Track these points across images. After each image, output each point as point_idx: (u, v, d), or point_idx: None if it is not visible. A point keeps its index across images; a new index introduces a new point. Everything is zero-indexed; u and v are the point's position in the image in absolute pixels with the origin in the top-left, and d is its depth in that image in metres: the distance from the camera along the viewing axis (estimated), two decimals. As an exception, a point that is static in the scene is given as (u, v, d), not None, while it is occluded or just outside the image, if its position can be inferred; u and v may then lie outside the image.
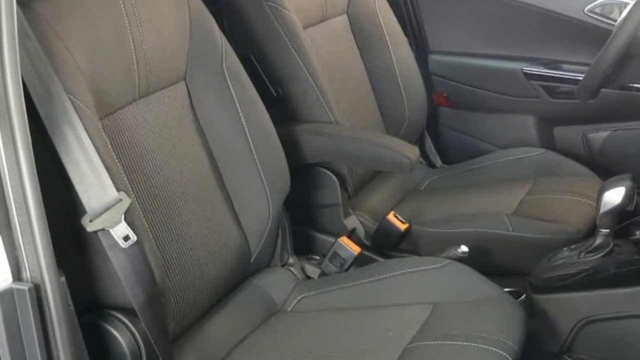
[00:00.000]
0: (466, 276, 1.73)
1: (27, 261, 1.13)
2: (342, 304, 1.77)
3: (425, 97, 2.59)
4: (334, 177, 2.16)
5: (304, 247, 2.11)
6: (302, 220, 2.13)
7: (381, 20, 2.58)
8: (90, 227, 1.30)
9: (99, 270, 1.40)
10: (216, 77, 1.77)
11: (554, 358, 1.80)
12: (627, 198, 1.68)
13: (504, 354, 1.45)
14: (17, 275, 1.13)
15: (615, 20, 2.18)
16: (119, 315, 1.42)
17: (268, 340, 1.68)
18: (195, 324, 1.67)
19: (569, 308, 1.75)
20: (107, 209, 1.31)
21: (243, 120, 1.78)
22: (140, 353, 1.42)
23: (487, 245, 2.02)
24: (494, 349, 1.46)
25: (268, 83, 2.16)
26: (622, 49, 1.94)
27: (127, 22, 1.59)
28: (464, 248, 1.89)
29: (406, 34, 2.73)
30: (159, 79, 1.67)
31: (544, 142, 2.56)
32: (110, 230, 1.31)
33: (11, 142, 1.09)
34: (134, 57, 1.59)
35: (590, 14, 2.46)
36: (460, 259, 1.83)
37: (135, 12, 1.65)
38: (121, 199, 1.34)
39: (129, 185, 1.50)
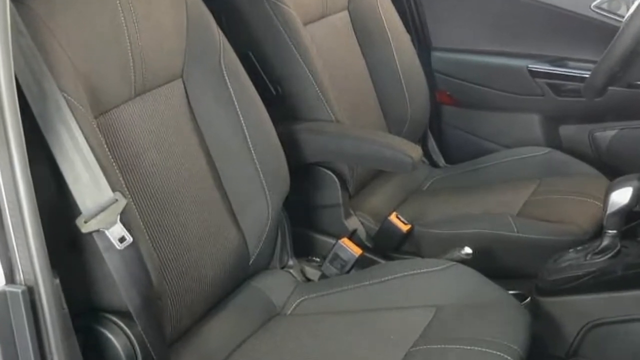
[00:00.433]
0: (470, 278, 1.73)
1: (20, 263, 1.13)
2: (343, 307, 1.76)
3: (428, 95, 2.59)
4: (334, 176, 2.16)
5: (304, 249, 2.11)
6: (302, 221, 2.13)
7: (383, 17, 2.57)
8: (85, 228, 1.30)
9: (94, 272, 1.40)
10: (214, 75, 1.76)
11: None
12: (635, 198, 1.67)
13: (509, 358, 1.45)
14: (10, 278, 1.13)
15: (623, 17, 2.17)
16: (115, 319, 1.42)
17: (267, 344, 1.67)
18: (192, 327, 1.67)
19: (575, 311, 1.75)
20: (103, 209, 1.31)
21: (241, 118, 1.77)
22: (136, 357, 1.42)
23: (492, 246, 2.02)
24: (498, 353, 1.46)
25: (267, 81, 2.16)
26: (630, 45, 1.93)
27: (123, 18, 1.58)
28: (467, 250, 1.89)
29: (408, 30, 2.72)
30: (155, 77, 1.67)
31: (550, 141, 2.56)
32: (106, 232, 1.31)
33: (4, 142, 1.09)
34: (130, 54, 1.58)
35: (597, 10, 2.45)
36: (464, 261, 1.83)
37: (132, 8, 1.64)
38: (117, 200, 1.33)
39: (124, 185, 1.50)
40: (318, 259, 2.06)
